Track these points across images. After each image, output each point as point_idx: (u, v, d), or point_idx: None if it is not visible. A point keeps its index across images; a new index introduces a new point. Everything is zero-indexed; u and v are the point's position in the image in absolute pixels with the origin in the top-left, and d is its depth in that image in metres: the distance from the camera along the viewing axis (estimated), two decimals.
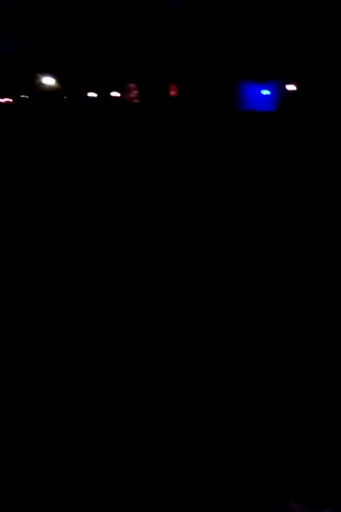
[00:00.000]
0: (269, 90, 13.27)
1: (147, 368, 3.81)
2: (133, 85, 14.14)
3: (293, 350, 4.04)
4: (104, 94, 14.63)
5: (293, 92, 13.01)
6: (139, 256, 5.91)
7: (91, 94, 14.82)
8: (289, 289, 5.08)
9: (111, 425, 3.17)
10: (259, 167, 9.54)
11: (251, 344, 4.14)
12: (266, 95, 13.33)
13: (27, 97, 14.81)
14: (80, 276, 5.47)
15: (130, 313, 4.71)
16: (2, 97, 14.80)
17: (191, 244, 6.16)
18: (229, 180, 9.01)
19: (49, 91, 14.52)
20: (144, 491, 2.64)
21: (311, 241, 6.17)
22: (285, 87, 13.12)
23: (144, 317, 4.65)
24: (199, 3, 14.89)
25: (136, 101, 14.19)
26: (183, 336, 4.31)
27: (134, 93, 14.12)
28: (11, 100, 14.86)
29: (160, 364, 3.86)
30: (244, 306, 4.80)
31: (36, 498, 2.56)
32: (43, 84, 14.65)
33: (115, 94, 14.69)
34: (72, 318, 4.62)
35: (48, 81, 14.71)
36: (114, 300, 5.00)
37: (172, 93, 14.39)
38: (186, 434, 3.08)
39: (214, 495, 2.63)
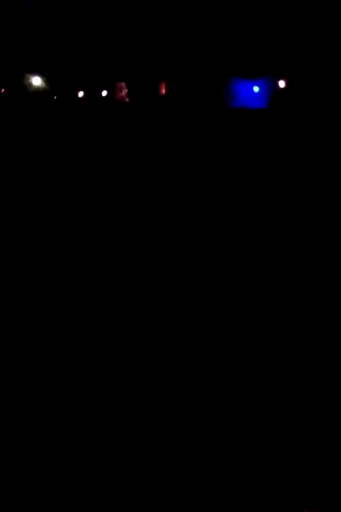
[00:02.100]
0: (259, 87, 13.21)
1: (147, 368, 3.76)
2: (122, 84, 14.03)
3: (293, 351, 4.00)
4: (93, 93, 14.51)
5: (283, 88, 12.96)
6: (126, 255, 5.83)
7: (81, 94, 14.70)
8: (286, 289, 5.03)
9: (111, 425, 3.11)
10: (250, 164, 9.51)
11: (251, 344, 4.09)
12: (256, 92, 13.27)
13: (15, 97, 14.68)
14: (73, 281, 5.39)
15: (129, 315, 4.65)
16: None
17: (181, 242, 6.09)
18: (221, 178, 8.97)
19: (37, 91, 14.39)
20: (144, 491, 2.59)
21: (302, 241, 6.12)
22: (275, 84, 13.07)
23: (144, 318, 4.60)
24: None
25: (126, 99, 14.09)
26: (183, 336, 4.26)
27: (124, 91, 14.01)
28: None
29: (160, 364, 3.81)
30: (243, 307, 4.75)
31: (36, 498, 2.51)
32: (31, 84, 14.50)
33: (104, 92, 14.58)
34: (72, 319, 4.57)
35: (36, 81, 14.56)
36: (113, 302, 4.94)
37: (162, 91, 14.29)
38: (190, 438, 3.03)
39: (227, 504, 2.57)
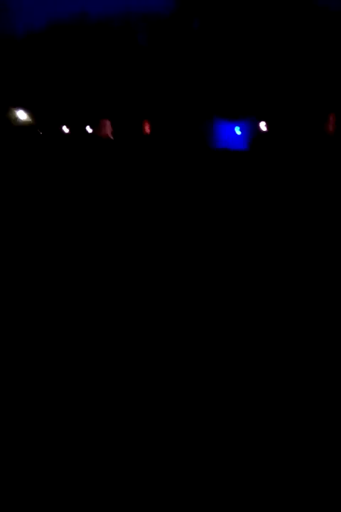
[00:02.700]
0: (241, 128, 13.51)
1: (147, 368, 3.81)
2: (107, 121, 14.25)
3: (293, 351, 4.08)
4: (78, 129, 14.73)
5: (264, 130, 13.27)
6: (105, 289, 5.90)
7: (65, 130, 14.90)
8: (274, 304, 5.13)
9: (111, 425, 3.15)
10: (233, 204, 9.67)
11: (251, 344, 4.16)
12: (238, 133, 13.57)
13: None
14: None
15: (128, 320, 4.72)
16: None
17: (162, 283, 6.19)
18: (203, 217, 9.10)
19: (23, 125, 14.55)
20: (144, 491, 2.62)
21: (283, 285, 6.25)
22: (256, 126, 13.38)
23: (142, 323, 4.67)
24: (170, 42, 15.13)
25: (110, 137, 14.30)
26: (183, 339, 4.33)
27: (108, 129, 14.23)
28: None
29: (160, 364, 3.86)
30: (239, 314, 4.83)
31: (36, 498, 2.53)
32: (17, 119, 14.68)
33: (89, 129, 14.80)
34: (72, 321, 4.62)
35: (22, 115, 14.74)
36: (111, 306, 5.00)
37: (146, 130, 14.54)
38: (188, 436, 3.08)
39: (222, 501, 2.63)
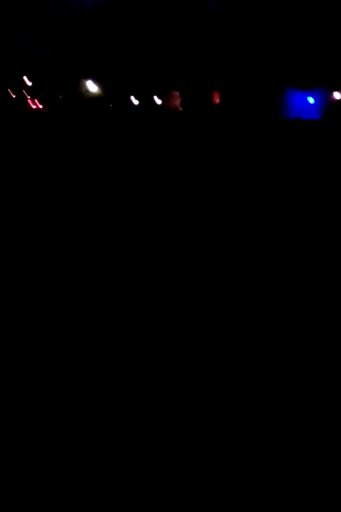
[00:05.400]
0: (314, 98, 13.10)
1: (147, 368, 3.74)
2: (176, 92, 14.11)
3: (293, 350, 3.94)
4: (147, 101, 14.64)
5: (338, 100, 12.82)
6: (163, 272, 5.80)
7: (134, 101, 14.84)
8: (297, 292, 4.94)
9: (111, 425, 3.11)
10: (305, 176, 9.43)
11: (251, 344, 4.04)
12: (311, 103, 13.17)
13: (69, 102, 14.91)
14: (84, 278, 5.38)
15: (130, 314, 4.64)
16: (44, 104, 14.93)
17: (229, 257, 6.07)
18: (275, 189, 8.91)
19: (92, 97, 14.59)
20: (144, 490, 2.59)
21: None
22: (330, 95, 12.94)
23: (144, 317, 4.58)
24: (241, 8, 14.78)
25: (180, 108, 14.17)
26: (183, 336, 4.23)
27: (178, 100, 14.09)
28: (41, 107, 14.99)
29: (160, 364, 3.79)
30: (244, 307, 4.69)
31: (36, 498, 2.53)
32: (86, 90, 14.73)
33: (158, 101, 14.70)
34: (72, 319, 4.58)
35: (91, 87, 14.78)
36: (114, 301, 4.93)
37: (216, 100, 14.31)
38: (190, 438, 3.02)
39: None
